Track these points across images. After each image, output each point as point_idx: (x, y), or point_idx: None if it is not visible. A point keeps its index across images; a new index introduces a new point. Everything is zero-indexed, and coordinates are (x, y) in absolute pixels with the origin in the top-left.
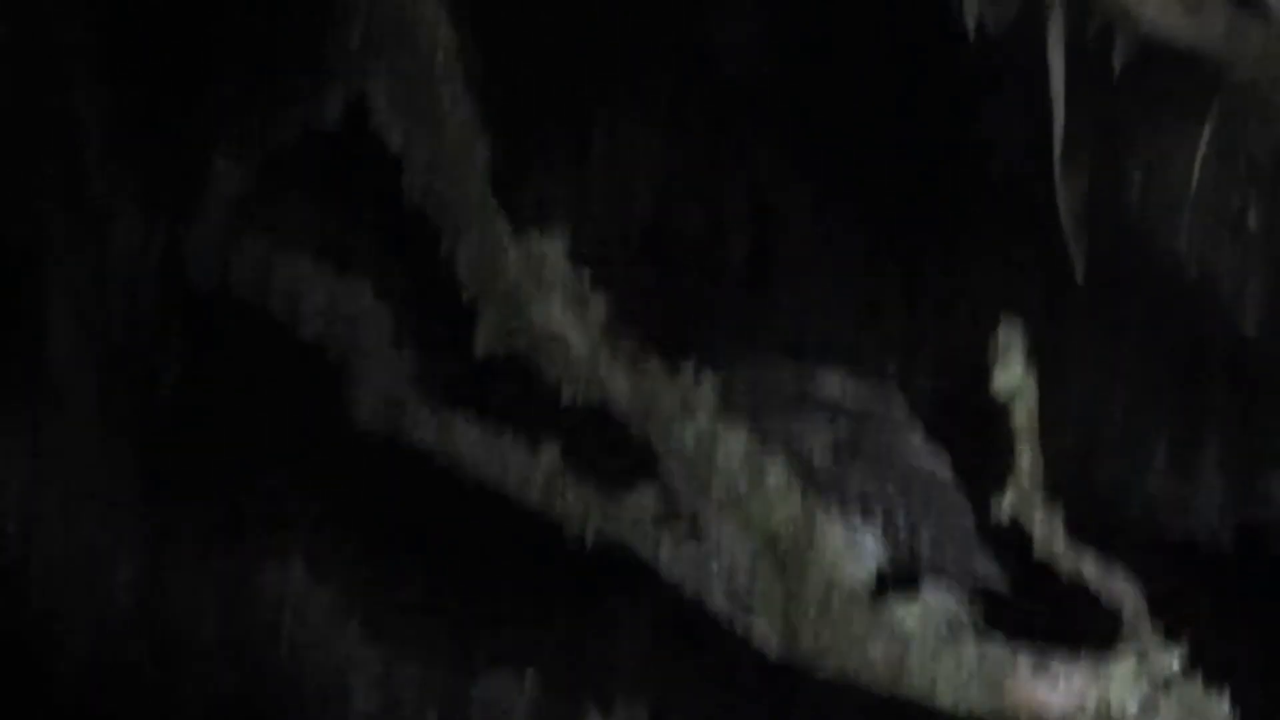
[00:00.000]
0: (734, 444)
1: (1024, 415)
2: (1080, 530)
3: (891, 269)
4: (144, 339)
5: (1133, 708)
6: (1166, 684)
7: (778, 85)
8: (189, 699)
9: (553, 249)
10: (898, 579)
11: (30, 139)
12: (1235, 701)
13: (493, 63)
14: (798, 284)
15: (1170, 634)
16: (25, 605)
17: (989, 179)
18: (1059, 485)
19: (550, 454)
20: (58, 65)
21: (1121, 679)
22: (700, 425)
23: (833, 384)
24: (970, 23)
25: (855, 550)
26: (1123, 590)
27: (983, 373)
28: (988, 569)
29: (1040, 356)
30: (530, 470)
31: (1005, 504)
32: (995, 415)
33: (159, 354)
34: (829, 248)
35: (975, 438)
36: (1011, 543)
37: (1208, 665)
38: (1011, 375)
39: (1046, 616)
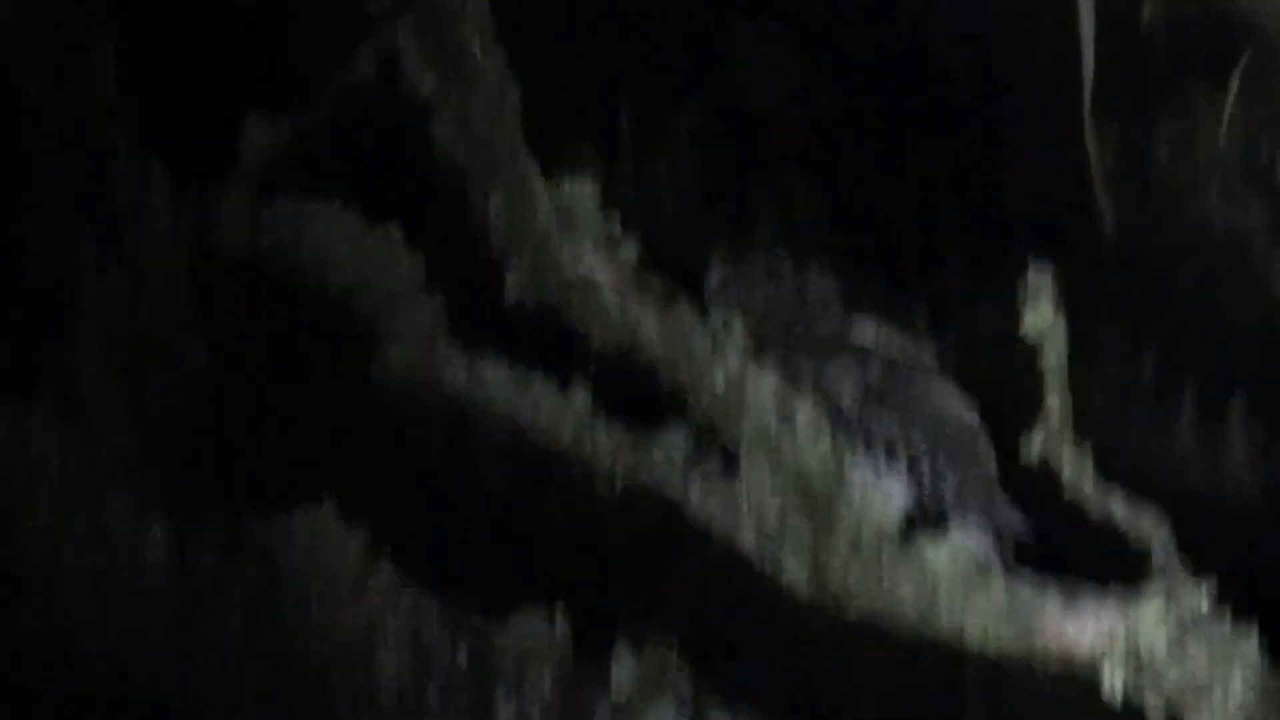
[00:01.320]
0: (765, 385)
1: (1053, 356)
2: (1108, 476)
3: (918, 220)
4: (174, 316)
5: (1161, 645)
6: (1195, 622)
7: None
8: (220, 664)
9: (584, 195)
10: (924, 523)
11: (50, 119)
12: (1263, 639)
13: (526, 15)
14: (826, 243)
15: (1198, 573)
16: (56, 597)
17: (1018, 133)
18: (1087, 433)
19: (580, 396)
20: (76, 36)
21: (1150, 617)
22: (731, 366)
23: (865, 331)
24: None
25: (883, 492)
26: (1151, 529)
27: (1011, 319)
28: (1012, 515)
29: (1070, 304)
30: (560, 413)
31: (1034, 445)
32: (1023, 359)
33: (189, 329)
34: (856, 201)
35: (1003, 382)
36: (1040, 483)
37: (1236, 604)
38: (1041, 316)
39: (1075, 556)
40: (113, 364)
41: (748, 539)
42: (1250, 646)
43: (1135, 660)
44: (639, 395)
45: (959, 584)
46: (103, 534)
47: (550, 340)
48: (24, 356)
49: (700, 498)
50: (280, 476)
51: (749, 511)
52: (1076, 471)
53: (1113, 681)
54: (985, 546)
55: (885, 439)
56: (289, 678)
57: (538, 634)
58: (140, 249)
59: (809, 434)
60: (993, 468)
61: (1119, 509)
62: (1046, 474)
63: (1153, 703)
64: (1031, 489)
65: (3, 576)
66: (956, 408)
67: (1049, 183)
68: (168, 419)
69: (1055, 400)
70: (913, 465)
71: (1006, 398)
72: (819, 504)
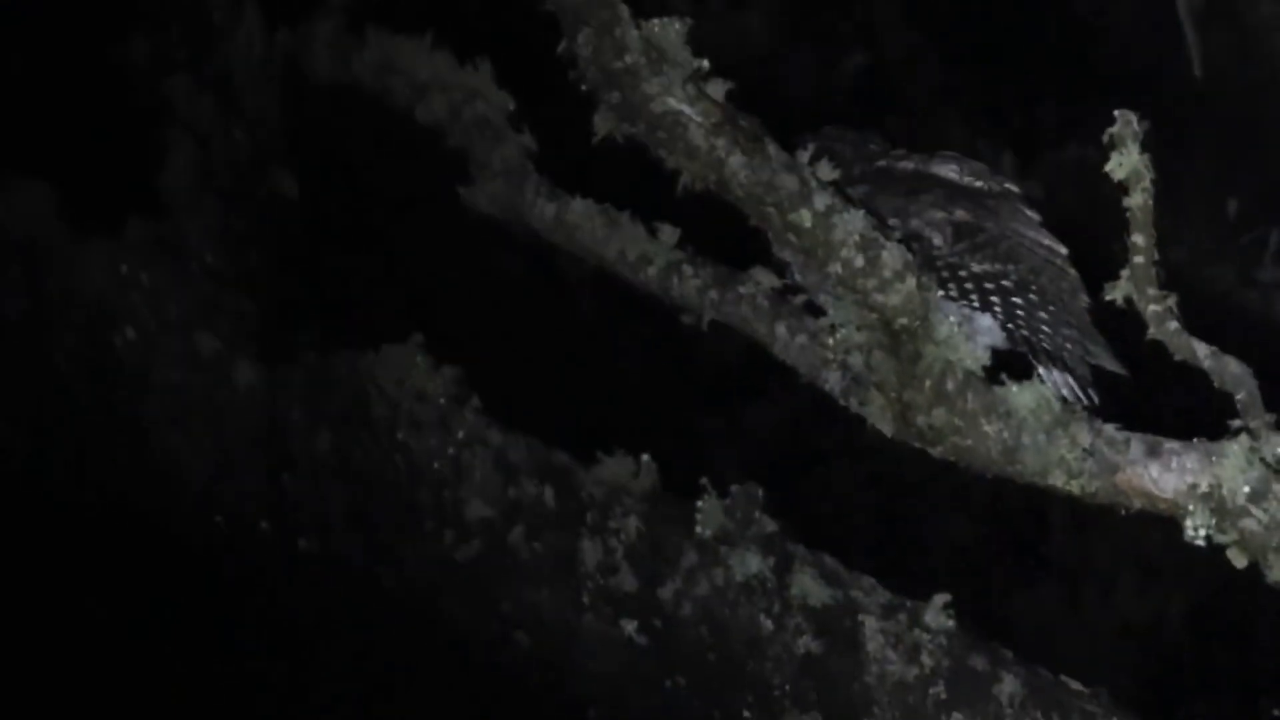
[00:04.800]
0: (851, 225)
1: (1140, 199)
2: (1192, 319)
3: (1008, 60)
4: (265, 146)
5: (1244, 490)
6: (1278, 468)
7: None
8: (306, 487)
9: (673, 36)
10: (1013, 362)
11: None
12: None
13: None
14: (909, 95)
15: None
16: (145, 423)
17: None
18: (1171, 277)
19: (668, 237)
20: None
21: (1233, 462)
22: (817, 207)
23: (950, 168)
24: None
25: (971, 332)
26: (1236, 374)
27: (1097, 165)
28: (1102, 353)
29: (1155, 148)
30: (648, 253)
31: (1119, 287)
32: (1110, 203)
33: (280, 159)
34: (947, 40)
35: (1089, 225)
36: (1125, 326)
37: None
38: (1128, 160)
39: (1159, 399)
40: (205, 189)
41: (833, 379)
42: None
43: (1217, 505)
44: (726, 234)
45: (1044, 426)
46: (193, 357)
47: (638, 178)
48: (119, 180)
49: (785, 338)
50: (368, 309)
51: (834, 351)
52: (1161, 314)
53: (1195, 525)
54: (1072, 388)
55: (975, 276)
56: (376, 502)
57: (624, 476)
58: (233, 76)
59: (895, 273)
60: (1084, 302)
61: (1204, 352)
62: (1131, 316)
63: (1233, 547)
64: (1116, 331)
65: (93, 395)
66: (1045, 243)
67: (1140, 22)
68: (259, 245)
69: (1141, 241)
70: (1003, 302)
71: (1091, 239)
72: (905, 343)
